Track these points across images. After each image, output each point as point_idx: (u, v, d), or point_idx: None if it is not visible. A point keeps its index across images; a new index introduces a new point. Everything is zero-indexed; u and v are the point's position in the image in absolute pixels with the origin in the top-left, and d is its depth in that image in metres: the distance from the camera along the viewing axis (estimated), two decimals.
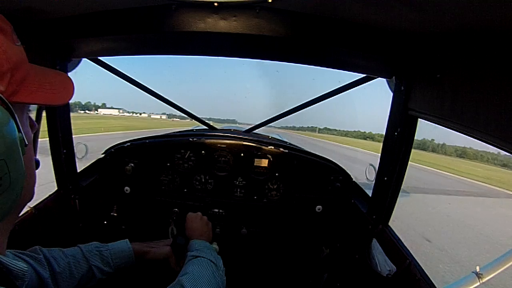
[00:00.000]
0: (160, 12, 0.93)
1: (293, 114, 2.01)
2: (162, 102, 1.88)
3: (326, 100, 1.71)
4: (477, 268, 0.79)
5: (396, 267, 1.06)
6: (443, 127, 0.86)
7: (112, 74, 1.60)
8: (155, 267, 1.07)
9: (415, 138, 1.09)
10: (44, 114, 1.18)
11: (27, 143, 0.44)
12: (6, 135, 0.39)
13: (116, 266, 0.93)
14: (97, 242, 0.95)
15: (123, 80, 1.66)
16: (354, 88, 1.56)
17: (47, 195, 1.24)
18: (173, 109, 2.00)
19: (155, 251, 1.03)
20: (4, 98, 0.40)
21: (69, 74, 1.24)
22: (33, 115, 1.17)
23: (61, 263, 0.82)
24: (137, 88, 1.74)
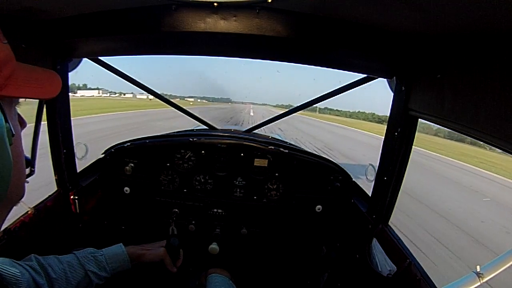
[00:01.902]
0: (160, 12, 0.93)
1: (292, 114, 2.02)
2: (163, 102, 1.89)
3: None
4: (478, 268, 0.79)
5: (396, 267, 1.07)
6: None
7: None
8: (151, 269, 1.07)
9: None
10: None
11: (14, 133, 0.45)
12: None
13: (112, 270, 0.94)
14: (91, 248, 0.96)
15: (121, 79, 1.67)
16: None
17: (46, 196, 1.24)
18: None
19: (150, 253, 1.04)
20: None
21: (69, 74, 1.24)
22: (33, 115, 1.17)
23: (57, 269, 0.83)
24: (137, 88, 1.75)
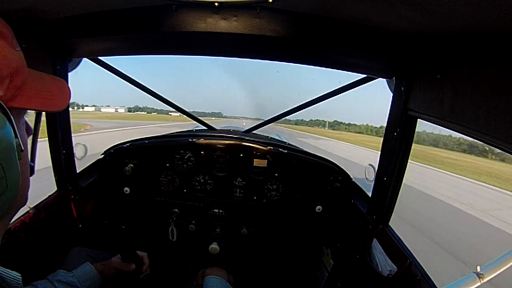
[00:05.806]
0: (161, 12, 0.93)
1: (292, 114, 2.02)
2: (160, 102, 1.89)
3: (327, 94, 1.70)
4: (478, 268, 0.79)
5: (396, 267, 1.06)
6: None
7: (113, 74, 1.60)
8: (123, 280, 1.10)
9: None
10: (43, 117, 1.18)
11: (23, 149, 0.44)
12: (3, 140, 0.39)
13: None
14: (62, 271, 0.97)
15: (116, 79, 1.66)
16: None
17: (46, 196, 1.24)
18: (165, 108, 2.00)
19: (107, 266, 1.06)
20: (2, 103, 0.40)
21: (69, 74, 1.24)
22: (32, 118, 1.17)
23: None
24: (136, 88, 1.74)
